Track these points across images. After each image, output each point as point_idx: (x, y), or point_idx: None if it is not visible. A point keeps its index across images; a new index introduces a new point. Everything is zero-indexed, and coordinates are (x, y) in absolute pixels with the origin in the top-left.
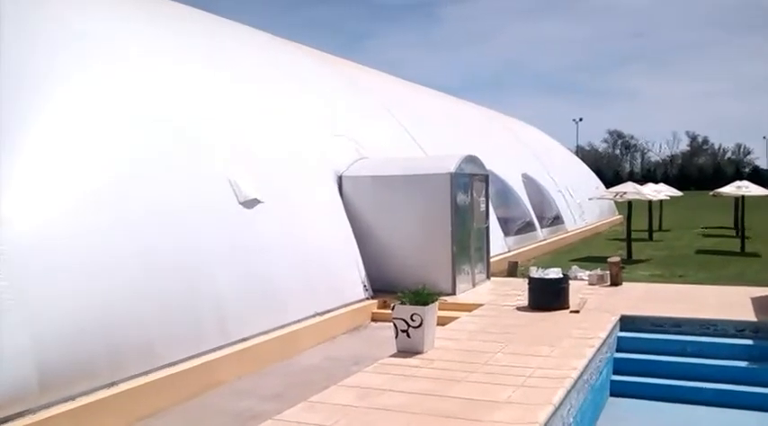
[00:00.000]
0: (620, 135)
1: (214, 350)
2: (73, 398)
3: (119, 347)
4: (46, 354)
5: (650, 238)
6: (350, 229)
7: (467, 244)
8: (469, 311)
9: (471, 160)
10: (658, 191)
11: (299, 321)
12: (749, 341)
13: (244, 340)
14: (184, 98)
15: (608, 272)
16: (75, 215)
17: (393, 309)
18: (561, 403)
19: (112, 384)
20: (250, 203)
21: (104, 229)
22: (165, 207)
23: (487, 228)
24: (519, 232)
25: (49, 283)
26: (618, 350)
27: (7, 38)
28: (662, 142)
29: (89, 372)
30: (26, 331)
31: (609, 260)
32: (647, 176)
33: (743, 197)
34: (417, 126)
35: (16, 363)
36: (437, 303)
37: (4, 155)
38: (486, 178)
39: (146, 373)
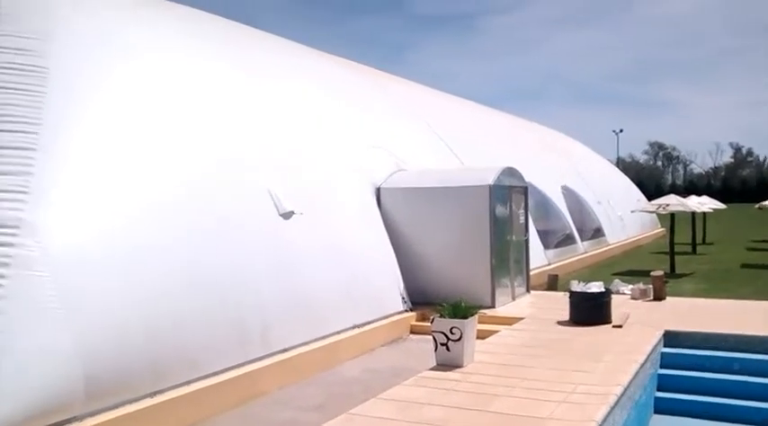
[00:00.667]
0: (661, 146)
1: (256, 360)
2: (116, 407)
3: (162, 357)
4: (92, 363)
5: (694, 251)
6: (388, 241)
7: (506, 256)
8: (509, 325)
9: (510, 172)
10: (702, 204)
11: (338, 332)
12: None
13: (285, 350)
14: (227, 112)
15: (651, 286)
16: (123, 227)
17: (432, 322)
18: (604, 421)
19: (155, 393)
20: (290, 215)
21: (151, 242)
22: (209, 219)
23: (527, 241)
24: (559, 245)
25: (95, 293)
26: (662, 367)
27: (60, 50)
28: (705, 153)
29: (132, 381)
30: (73, 339)
31: (652, 273)
32: (689, 188)
33: None
34: (455, 137)
35: (64, 371)
36: (476, 316)
37: (54, 167)
38: (525, 190)
39: (188, 383)
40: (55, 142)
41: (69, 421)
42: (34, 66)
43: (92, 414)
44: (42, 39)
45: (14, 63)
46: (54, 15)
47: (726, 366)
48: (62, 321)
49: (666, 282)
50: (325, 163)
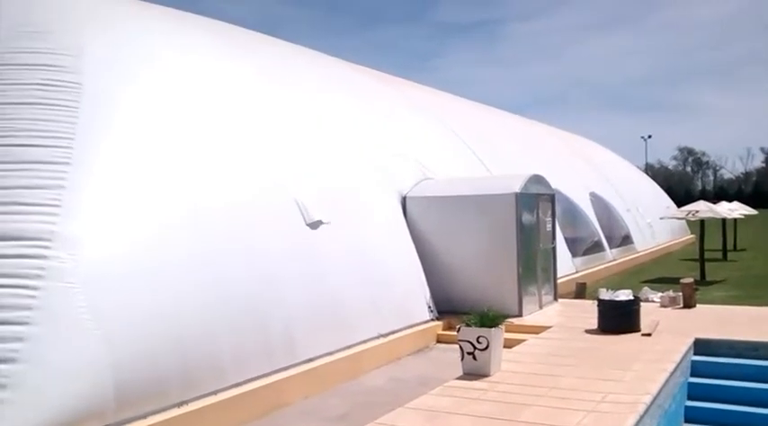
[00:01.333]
0: (690, 152)
1: (282, 369)
2: (146, 416)
3: (190, 367)
4: (122, 372)
5: (724, 258)
6: (414, 250)
7: (533, 264)
8: (537, 333)
9: (537, 179)
10: (732, 210)
11: (364, 342)
12: None
13: (310, 360)
14: (252, 122)
15: (680, 294)
16: (150, 239)
17: (459, 331)
18: None
19: (183, 403)
20: (316, 224)
21: (180, 254)
22: (237, 230)
23: (554, 249)
24: (587, 252)
25: (125, 304)
26: (692, 375)
27: (92, 66)
28: (735, 159)
29: (161, 391)
30: (104, 348)
31: (681, 281)
32: (719, 194)
33: None
34: (481, 145)
35: (95, 380)
36: (503, 325)
37: (87, 181)
38: (552, 197)
39: (215, 393)
40: (87, 156)
41: None
42: (67, 82)
43: (122, 423)
44: (75, 56)
45: (48, 79)
46: (85, 31)
47: (757, 374)
48: (93, 331)
49: (696, 290)
50: (352, 171)
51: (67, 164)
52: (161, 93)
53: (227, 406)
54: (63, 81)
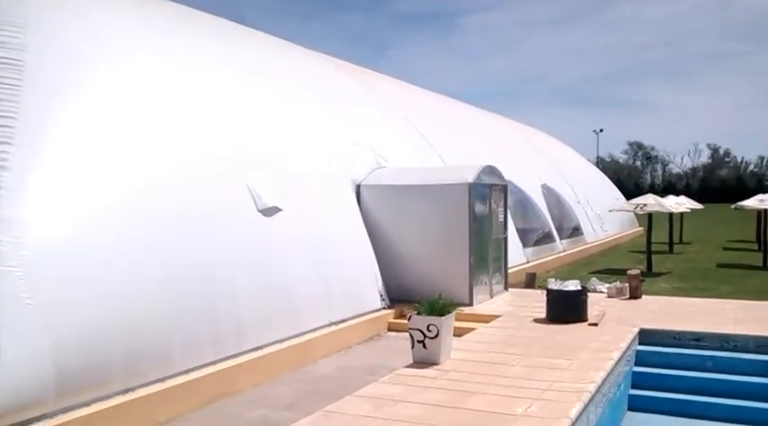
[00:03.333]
0: (640, 146)
1: (230, 357)
2: (88, 404)
3: (136, 354)
4: (64, 359)
5: (671, 251)
6: (367, 238)
7: (485, 254)
8: (487, 322)
9: (490, 170)
10: (680, 204)
11: (314, 330)
12: None
13: (259, 348)
14: (205, 108)
15: (627, 285)
16: (96, 222)
17: (409, 319)
18: (578, 418)
19: (128, 390)
20: (268, 211)
21: (124, 237)
22: (183, 215)
23: (506, 239)
24: (538, 243)
25: (68, 288)
26: (636, 364)
27: (37, 43)
28: (683, 154)
29: (105, 378)
30: (45, 334)
31: (628, 272)
32: (668, 188)
33: (765, 210)
34: (437, 135)
35: (35, 366)
36: (454, 313)
37: (30, 162)
38: (504, 188)
39: (162, 380)
40: (30, 136)
41: (40, 418)
42: (10, 59)
43: (63, 411)
44: (19, 32)
45: None
46: (30, 6)
47: (699, 363)
48: (34, 316)
49: (643, 281)
50: (306, 159)
51: (9, 144)
52: (113, 75)
53: (173, 394)
54: (5, 58)
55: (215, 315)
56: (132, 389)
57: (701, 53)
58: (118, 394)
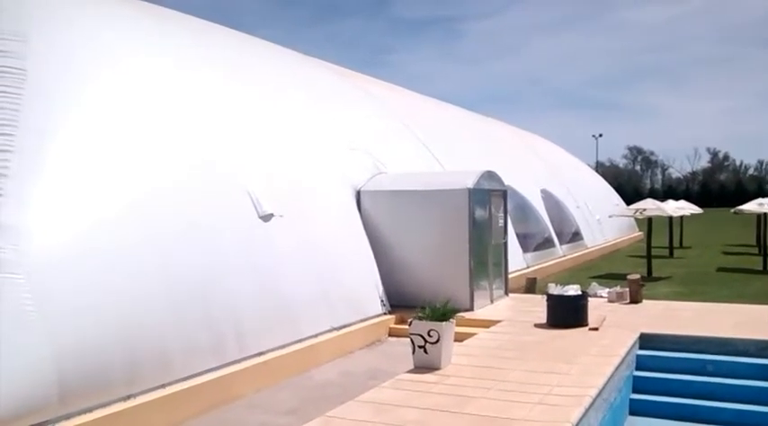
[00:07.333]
0: (640, 151)
1: (231, 363)
2: (90, 410)
3: (137, 360)
4: (66, 366)
5: (671, 255)
6: (368, 244)
7: (485, 259)
8: (487, 327)
9: (490, 176)
10: (679, 208)
11: (315, 335)
12: None
13: (261, 353)
14: (205, 114)
15: (627, 290)
16: (100, 230)
17: (410, 325)
18: (579, 422)
19: (129, 396)
20: (269, 218)
21: (127, 244)
22: (186, 222)
23: (506, 244)
24: (538, 248)
25: (69, 296)
26: (637, 369)
27: (38, 52)
28: (683, 158)
29: (107, 385)
30: (47, 342)
31: (628, 277)
32: (667, 193)
33: (765, 214)
34: (436, 140)
35: (38, 374)
36: (455, 319)
37: (31, 170)
38: (504, 194)
39: (162, 386)
40: (31, 144)
41: (42, 424)
42: (11, 68)
43: (66, 417)
44: (20, 41)
45: None
46: (31, 16)
47: (700, 368)
48: (36, 323)
49: (643, 286)
50: (306, 165)
51: (10, 151)
52: (111, 82)
53: (174, 400)
54: (6, 67)
55: (215, 321)
56: (134, 395)
57: (701, 57)
58: (119, 400)
